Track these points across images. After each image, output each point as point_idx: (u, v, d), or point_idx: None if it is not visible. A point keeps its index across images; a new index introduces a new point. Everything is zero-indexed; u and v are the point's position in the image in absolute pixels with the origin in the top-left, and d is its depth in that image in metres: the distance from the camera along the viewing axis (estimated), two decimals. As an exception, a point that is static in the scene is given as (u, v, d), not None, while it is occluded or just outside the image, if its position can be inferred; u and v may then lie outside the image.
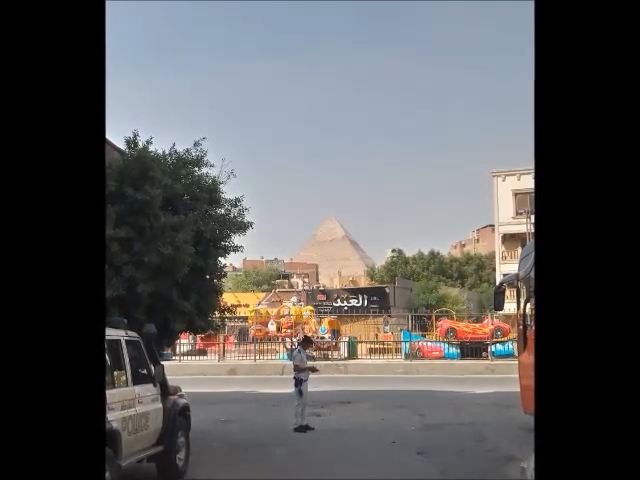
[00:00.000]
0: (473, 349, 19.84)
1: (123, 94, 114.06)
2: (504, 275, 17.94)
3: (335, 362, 19.17)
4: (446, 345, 20.29)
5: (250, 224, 8.04)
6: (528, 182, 28.36)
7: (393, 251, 46.52)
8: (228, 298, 10.75)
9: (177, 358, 19.69)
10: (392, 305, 27.94)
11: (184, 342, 20.20)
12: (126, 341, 5.42)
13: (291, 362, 9.95)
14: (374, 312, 25.75)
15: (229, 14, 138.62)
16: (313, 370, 9.51)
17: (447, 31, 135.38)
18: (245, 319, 22.64)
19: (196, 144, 7.82)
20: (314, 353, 18.99)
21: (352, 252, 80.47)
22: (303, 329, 21.09)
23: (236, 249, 8.14)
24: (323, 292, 30.69)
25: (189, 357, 20.79)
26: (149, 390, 5.68)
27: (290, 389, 9.40)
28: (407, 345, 20.29)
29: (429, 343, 20.93)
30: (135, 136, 7.37)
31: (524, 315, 7.64)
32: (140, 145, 7.32)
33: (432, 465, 6.62)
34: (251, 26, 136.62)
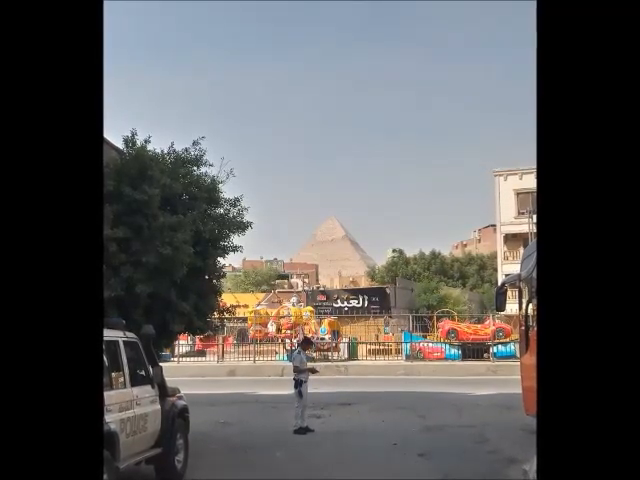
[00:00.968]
0: (474, 350, 19.77)
1: (121, 92, 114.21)
2: (506, 275, 17.96)
3: (335, 363, 19.13)
4: (447, 346, 20.23)
5: (249, 224, 8.01)
6: (530, 181, 28.34)
7: (394, 251, 46.51)
8: (227, 299, 10.72)
9: (176, 359, 19.64)
10: (393, 306, 27.91)
11: (183, 343, 20.15)
12: (124, 342, 5.39)
13: (291, 363, 9.92)
14: (375, 313, 25.72)
15: (229, 12, 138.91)
16: (313, 371, 9.48)
17: (449, 29, 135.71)
18: (244, 320, 22.59)
19: (195, 143, 7.81)
20: (314, 354, 18.95)
21: (352, 252, 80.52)
22: (303, 330, 21.04)
23: (235, 249, 8.12)
24: (323, 293, 30.66)
25: (188, 358, 20.73)
26: (147, 392, 5.65)
27: (290, 390, 9.36)
28: (408, 346, 20.25)
29: (430, 344, 20.86)
30: (133, 135, 7.35)
31: (526, 316, 7.61)
32: (138, 144, 7.30)
33: (433, 467, 6.59)
34: (251, 25, 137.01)
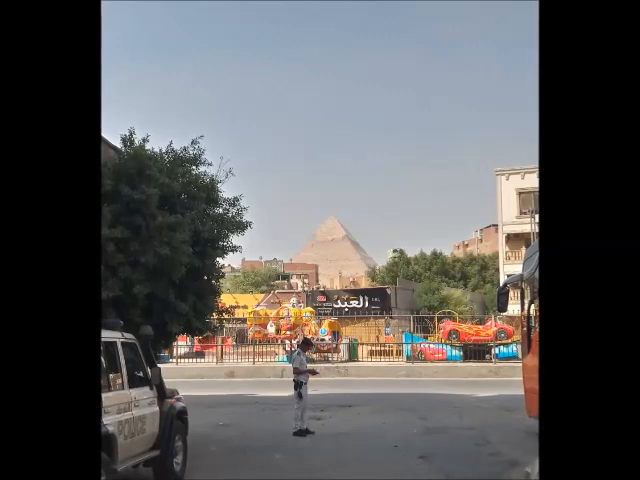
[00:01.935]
0: (476, 351, 19.74)
1: (119, 91, 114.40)
2: (508, 276, 17.91)
3: (335, 364, 19.10)
4: (449, 347, 20.20)
5: (249, 224, 7.98)
6: (532, 181, 28.30)
7: (394, 251, 46.49)
8: (226, 299, 10.72)
9: (174, 360, 19.63)
10: (393, 306, 27.89)
11: (181, 344, 20.14)
12: (122, 343, 5.36)
13: (290, 364, 9.89)
14: (375, 314, 25.71)
15: (228, 11, 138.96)
16: (313, 373, 9.45)
17: (450, 28, 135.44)
18: (243, 321, 22.56)
19: (193, 142, 7.77)
20: (314, 355, 18.92)
21: (353, 252, 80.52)
22: (303, 331, 21.01)
23: (234, 249, 8.09)
24: (323, 293, 30.63)
25: (186, 359, 20.70)
26: (146, 393, 5.62)
27: (289, 392, 9.33)
28: (409, 347, 20.23)
29: (431, 345, 20.83)
30: (131, 134, 7.32)
31: (528, 316, 7.59)
32: (136, 143, 7.27)
33: (434, 470, 6.56)
34: (251, 24, 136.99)
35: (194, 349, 22.18)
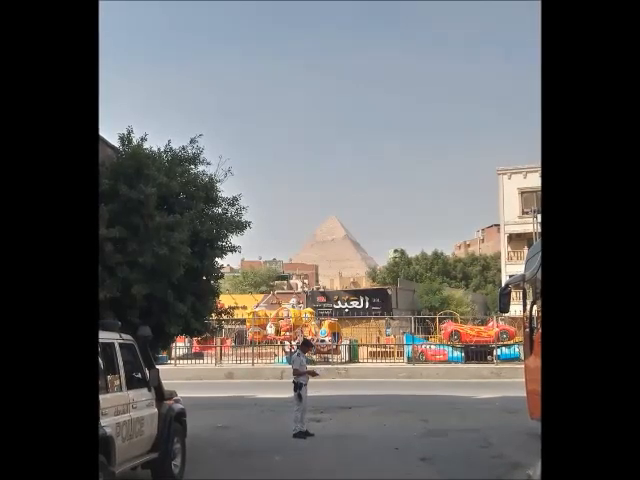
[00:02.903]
0: (478, 352, 19.69)
1: (117, 90, 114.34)
2: (510, 276, 17.81)
3: (335, 366, 19.08)
4: (450, 348, 20.16)
5: (248, 223, 7.94)
6: (534, 180, 28.18)
7: (395, 251, 46.39)
8: (225, 300, 10.67)
9: (173, 362, 19.60)
10: (394, 307, 27.84)
11: (180, 345, 20.11)
12: (120, 344, 5.33)
13: (290, 366, 9.85)
14: (376, 314, 25.67)
15: (228, 10, 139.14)
16: (313, 374, 9.41)
17: (452, 26, 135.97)
18: (243, 321, 22.50)
19: (192, 141, 7.73)
20: (314, 357, 18.88)
21: (353, 252, 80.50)
22: (302, 332, 20.98)
23: (233, 249, 8.05)
24: (323, 294, 30.58)
25: (185, 361, 20.68)
26: (144, 395, 5.59)
27: (289, 393, 9.30)
28: (410, 348, 20.19)
29: (432, 346, 20.80)
30: (129, 133, 7.27)
31: (530, 317, 7.54)
32: (134, 142, 7.23)
33: (436, 472, 6.53)
34: (251, 22, 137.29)
35: (193, 350, 22.14)
